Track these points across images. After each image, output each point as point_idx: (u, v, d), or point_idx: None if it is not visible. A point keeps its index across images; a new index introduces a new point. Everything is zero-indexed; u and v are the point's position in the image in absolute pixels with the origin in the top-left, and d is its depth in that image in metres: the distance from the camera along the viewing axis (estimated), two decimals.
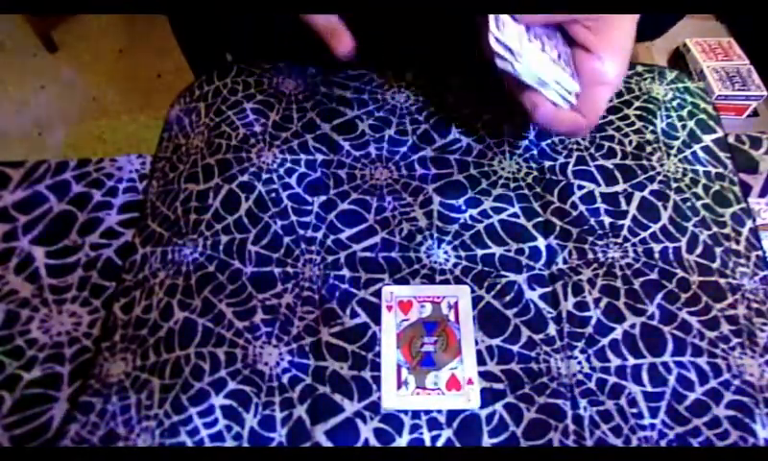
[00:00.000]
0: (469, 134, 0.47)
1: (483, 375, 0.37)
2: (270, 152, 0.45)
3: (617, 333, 0.37)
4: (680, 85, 0.50)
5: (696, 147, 0.46)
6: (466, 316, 0.38)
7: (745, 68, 0.76)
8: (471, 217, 0.43)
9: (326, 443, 0.34)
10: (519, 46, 0.35)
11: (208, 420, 0.35)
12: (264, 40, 0.52)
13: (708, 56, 0.78)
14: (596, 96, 0.40)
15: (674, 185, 0.44)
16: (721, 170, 0.45)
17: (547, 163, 0.45)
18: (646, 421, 0.35)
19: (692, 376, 0.36)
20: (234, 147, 0.45)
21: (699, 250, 0.41)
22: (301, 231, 0.42)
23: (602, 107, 0.40)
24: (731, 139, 0.49)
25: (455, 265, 0.41)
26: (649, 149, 0.45)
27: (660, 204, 0.43)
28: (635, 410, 0.35)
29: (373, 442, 0.35)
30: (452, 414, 0.35)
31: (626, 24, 0.39)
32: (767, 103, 0.77)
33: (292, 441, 0.34)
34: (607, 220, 0.42)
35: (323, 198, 0.44)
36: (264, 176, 0.44)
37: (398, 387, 0.36)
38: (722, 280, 0.40)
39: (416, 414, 0.35)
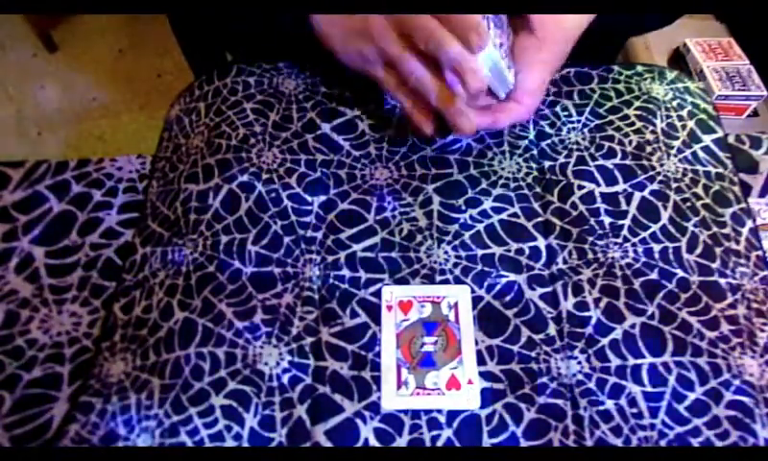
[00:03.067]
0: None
1: (483, 375, 0.37)
2: (270, 152, 0.45)
3: (617, 333, 0.37)
4: (680, 85, 0.50)
5: (696, 147, 0.46)
6: (466, 316, 0.38)
7: (745, 68, 0.76)
8: (471, 217, 0.43)
9: (326, 443, 0.34)
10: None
11: (208, 420, 0.35)
12: (264, 40, 0.52)
13: (708, 56, 0.78)
14: (533, 78, 0.41)
15: (674, 185, 0.44)
16: (721, 170, 0.45)
17: (547, 163, 0.45)
18: (646, 421, 0.35)
19: (692, 376, 0.36)
20: (234, 147, 0.45)
21: (699, 250, 0.41)
22: (301, 231, 0.42)
23: (540, 89, 0.42)
24: (731, 139, 0.49)
25: (455, 265, 0.41)
26: (649, 149, 0.45)
27: (659, 204, 0.43)
28: (635, 410, 0.35)
29: (373, 442, 0.35)
30: (452, 414, 0.35)
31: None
32: (767, 103, 0.77)
33: (292, 441, 0.34)
34: (607, 220, 0.42)
35: (322, 198, 0.44)
36: (264, 176, 0.44)
37: (398, 387, 0.36)
38: (722, 280, 0.40)
39: (416, 414, 0.35)
